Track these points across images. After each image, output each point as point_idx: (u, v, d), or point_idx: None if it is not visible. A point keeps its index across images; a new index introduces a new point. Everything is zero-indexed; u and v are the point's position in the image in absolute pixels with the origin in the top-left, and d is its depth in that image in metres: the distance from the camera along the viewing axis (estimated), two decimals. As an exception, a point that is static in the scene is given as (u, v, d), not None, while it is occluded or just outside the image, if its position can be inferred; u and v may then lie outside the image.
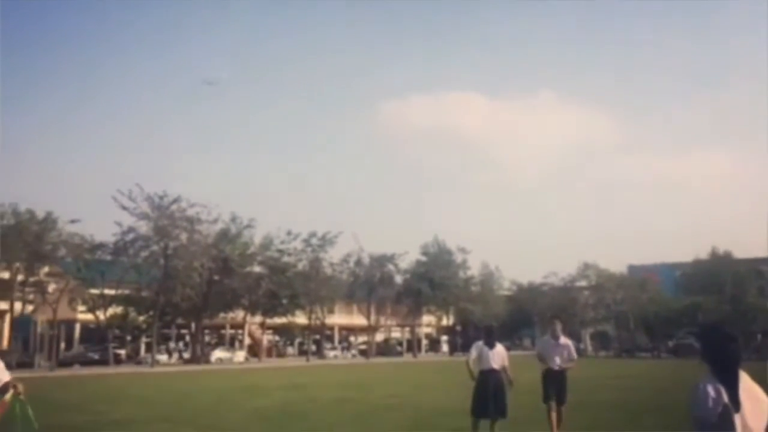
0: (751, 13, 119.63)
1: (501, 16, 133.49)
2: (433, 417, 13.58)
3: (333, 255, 57.59)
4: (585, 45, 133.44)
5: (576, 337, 71.52)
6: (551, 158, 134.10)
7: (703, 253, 64.05)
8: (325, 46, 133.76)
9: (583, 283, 70.82)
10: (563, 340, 10.15)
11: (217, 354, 52.29)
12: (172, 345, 57.00)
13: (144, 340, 54.25)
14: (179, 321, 55.53)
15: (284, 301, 53.82)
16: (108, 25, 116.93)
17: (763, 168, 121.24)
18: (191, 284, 46.15)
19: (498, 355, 9.26)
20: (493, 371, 9.15)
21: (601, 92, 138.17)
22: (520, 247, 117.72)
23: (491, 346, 9.30)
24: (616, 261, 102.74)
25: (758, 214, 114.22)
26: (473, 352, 9.37)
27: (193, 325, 53.31)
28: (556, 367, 9.98)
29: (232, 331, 64.02)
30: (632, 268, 77.35)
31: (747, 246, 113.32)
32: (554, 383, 9.91)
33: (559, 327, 10.26)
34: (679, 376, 29.13)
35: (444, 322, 72.83)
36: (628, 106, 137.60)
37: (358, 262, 61.31)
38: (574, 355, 10.25)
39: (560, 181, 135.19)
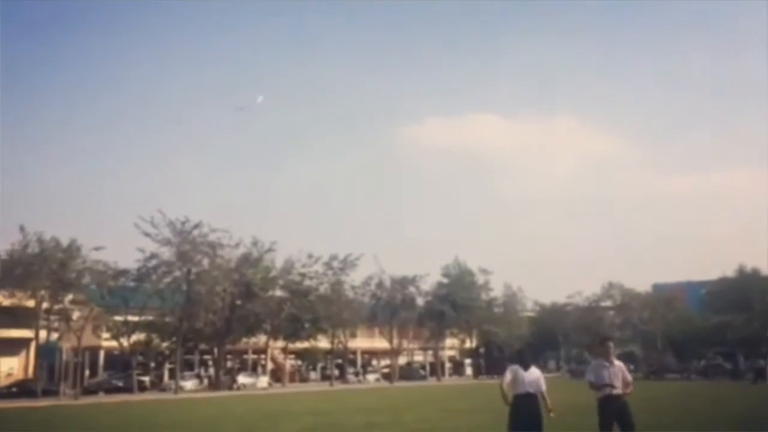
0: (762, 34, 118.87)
1: (518, 40, 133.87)
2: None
3: (354, 278, 57.36)
4: (602, 69, 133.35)
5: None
6: (571, 178, 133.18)
7: (730, 271, 62.88)
8: (344, 70, 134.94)
9: (608, 302, 69.81)
10: (617, 362, 9.16)
11: (241, 379, 52.10)
12: (199, 371, 56.69)
13: (167, 366, 54.15)
14: (202, 346, 55.42)
15: (306, 325, 53.44)
16: (132, 51, 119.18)
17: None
18: (214, 309, 46.10)
19: (534, 379, 9.00)
20: (528, 395, 8.88)
21: (617, 111, 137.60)
22: (543, 268, 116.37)
23: (526, 368, 9.04)
24: (640, 280, 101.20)
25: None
26: (508, 375, 9.08)
27: (215, 351, 53.12)
28: (616, 393, 8.92)
29: (254, 356, 63.78)
30: (657, 287, 76.17)
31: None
32: (616, 411, 8.90)
33: (612, 349, 9.26)
34: (711, 395, 28.46)
35: (467, 344, 71.96)
36: (647, 125, 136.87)
37: (380, 285, 60.92)
38: (630, 378, 9.23)
39: (581, 201, 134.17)
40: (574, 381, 55.86)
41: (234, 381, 50.93)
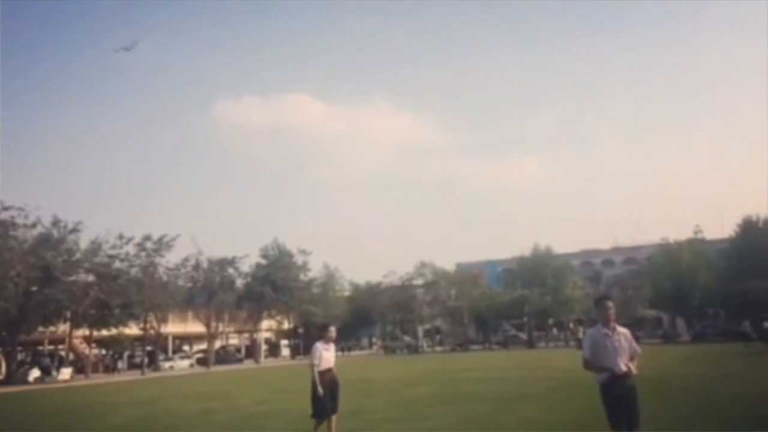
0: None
1: (337, 21, 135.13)
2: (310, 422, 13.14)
3: (170, 260, 54.50)
4: (418, 55, 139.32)
5: (413, 335, 74.18)
6: (385, 161, 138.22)
7: (527, 250, 69.31)
8: (159, 42, 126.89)
9: (419, 281, 73.44)
10: (620, 329, 6.61)
11: (36, 373, 46.91)
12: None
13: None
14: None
15: (116, 311, 49.51)
16: None
17: (573, 175, 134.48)
18: (6, 296, 41.07)
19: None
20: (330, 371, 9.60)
21: (430, 99, 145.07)
22: (361, 248, 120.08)
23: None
24: (446, 260, 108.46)
25: (569, 212, 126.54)
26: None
27: (6, 342, 47.35)
28: (621, 371, 6.37)
29: (51, 347, 58.06)
30: (460, 266, 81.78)
31: (562, 242, 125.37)
32: (624, 395, 6.34)
33: (613, 311, 6.62)
34: (509, 363, 31.35)
35: (285, 325, 71.78)
36: (457, 113, 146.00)
37: (197, 267, 58.56)
38: (638, 349, 6.69)
39: (394, 185, 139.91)
40: (387, 357, 58.52)
41: (27, 375, 45.69)
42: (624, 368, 6.35)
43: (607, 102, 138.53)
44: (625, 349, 6.42)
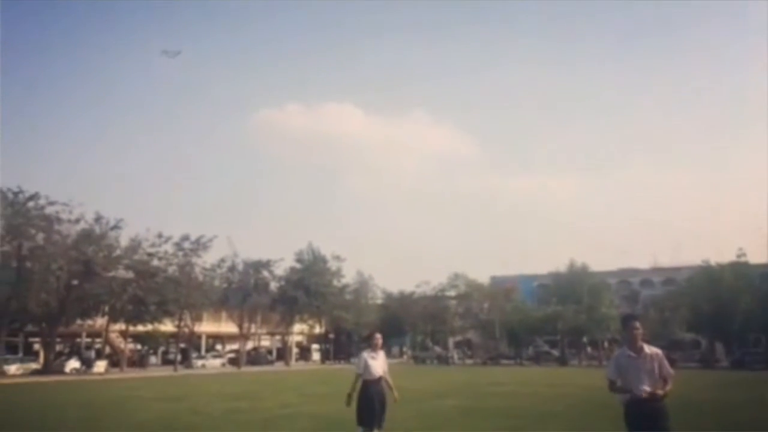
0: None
1: (378, 33, 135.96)
2: (332, 427, 13.21)
3: (206, 260, 55.43)
4: (457, 71, 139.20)
5: (443, 346, 73.76)
6: (422, 171, 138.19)
7: (563, 266, 68.43)
8: (201, 50, 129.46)
9: (452, 292, 73.05)
10: (648, 349, 6.27)
11: (72, 364, 48.06)
12: (22, 354, 51.58)
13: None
14: (29, 328, 50.67)
15: (152, 308, 50.57)
16: None
17: (613, 193, 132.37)
18: (47, 289, 42.26)
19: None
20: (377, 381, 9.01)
21: (468, 113, 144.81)
22: (394, 257, 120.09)
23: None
24: (481, 272, 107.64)
25: (607, 230, 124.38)
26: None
27: (45, 333, 48.68)
28: (644, 394, 6.07)
29: (89, 340, 59.48)
30: (495, 279, 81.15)
31: (599, 260, 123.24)
32: (645, 419, 6.06)
33: (639, 331, 6.34)
34: (539, 380, 30.92)
35: (317, 330, 72.16)
36: (494, 129, 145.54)
37: (232, 268, 59.37)
38: (670, 370, 6.28)
39: (430, 195, 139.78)
40: (417, 366, 58.28)
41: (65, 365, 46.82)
42: (646, 391, 6.05)
43: (651, 121, 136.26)
44: (650, 372, 6.15)
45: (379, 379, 8.94)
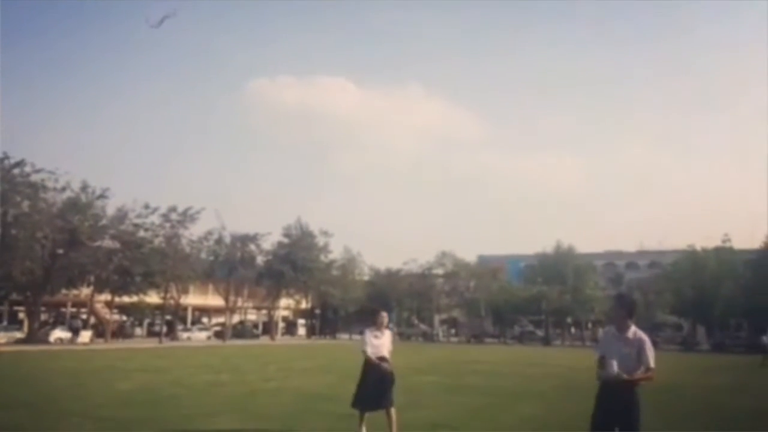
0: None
1: (374, 7, 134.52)
2: (316, 402, 13.23)
3: (193, 232, 55.22)
4: (455, 45, 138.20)
5: (429, 323, 74.23)
6: (414, 149, 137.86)
7: (549, 248, 68.83)
8: (191, 17, 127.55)
9: (439, 270, 73.34)
10: (633, 332, 5.91)
11: (57, 333, 47.95)
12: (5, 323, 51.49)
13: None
14: (13, 296, 50.45)
15: (137, 279, 50.43)
16: None
17: (603, 176, 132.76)
18: (32, 257, 41.99)
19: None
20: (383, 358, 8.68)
21: (464, 88, 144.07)
22: (383, 233, 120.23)
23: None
24: (469, 251, 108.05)
25: (595, 213, 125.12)
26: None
27: (30, 302, 48.47)
28: (611, 375, 5.72)
29: (74, 310, 59.34)
30: (482, 258, 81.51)
31: (586, 242, 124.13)
32: (611, 403, 5.78)
33: (622, 312, 6.08)
34: (521, 359, 31.24)
35: (303, 305, 72.37)
36: (489, 105, 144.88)
37: (219, 241, 59.25)
38: (649, 359, 5.79)
39: (421, 171, 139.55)
40: (402, 343, 58.63)
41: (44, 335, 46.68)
42: (613, 372, 5.68)
43: (640, 105, 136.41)
44: (627, 355, 5.78)
45: (382, 359, 8.60)
